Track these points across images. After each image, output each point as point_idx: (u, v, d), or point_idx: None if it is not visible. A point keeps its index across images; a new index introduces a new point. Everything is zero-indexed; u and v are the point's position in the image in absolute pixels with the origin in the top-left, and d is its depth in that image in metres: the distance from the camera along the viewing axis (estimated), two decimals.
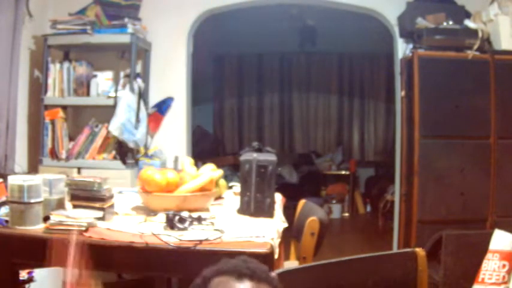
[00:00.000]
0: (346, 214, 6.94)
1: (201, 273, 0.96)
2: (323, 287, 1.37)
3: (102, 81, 3.53)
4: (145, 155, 3.55)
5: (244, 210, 2.03)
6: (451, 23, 3.33)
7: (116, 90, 3.48)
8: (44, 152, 3.48)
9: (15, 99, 3.15)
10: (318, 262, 1.43)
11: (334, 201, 6.86)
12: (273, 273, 0.97)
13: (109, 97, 3.47)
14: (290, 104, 7.78)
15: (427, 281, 1.46)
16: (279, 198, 2.43)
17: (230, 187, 2.62)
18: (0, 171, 2.90)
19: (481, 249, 2.63)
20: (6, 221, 1.73)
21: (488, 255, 2.61)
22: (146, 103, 3.71)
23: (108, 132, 3.41)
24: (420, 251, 1.48)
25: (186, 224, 1.73)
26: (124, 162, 3.44)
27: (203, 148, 6.55)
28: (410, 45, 3.50)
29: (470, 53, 3.24)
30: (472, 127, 3.29)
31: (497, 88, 3.25)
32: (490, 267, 2.59)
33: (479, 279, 2.60)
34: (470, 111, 3.26)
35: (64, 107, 3.59)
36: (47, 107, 3.50)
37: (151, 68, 3.84)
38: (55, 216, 1.69)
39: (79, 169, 3.44)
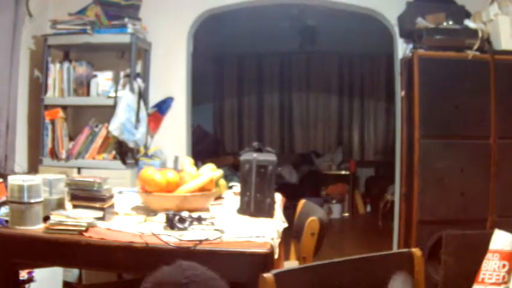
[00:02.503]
0: (346, 214, 6.94)
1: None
2: (323, 287, 1.37)
3: (102, 81, 3.53)
4: (145, 155, 3.55)
5: (244, 210, 2.03)
6: (451, 23, 3.33)
7: (116, 90, 3.48)
8: (44, 152, 3.48)
9: (15, 99, 3.15)
10: (318, 262, 1.43)
11: (334, 201, 6.86)
12: (216, 277, 0.92)
13: (109, 97, 3.47)
14: (290, 104, 7.79)
15: (423, 282, 1.46)
16: (279, 198, 2.43)
17: (230, 187, 2.62)
18: (0, 171, 2.90)
19: (481, 249, 2.63)
20: (6, 221, 1.72)
21: (488, 255, 2.61)
22: (146, 103, 3.71)
23: (108, 132, 3.41)
24: (417, 251, 1.48)
25: (186, 224, 1.73)
26: (124, 162, 3.44)
27: (203, 148, 6.55)
28: (410, 45, 3.50)
29: (470, 53, 3.24)
30: (472, 127, 3.29)
31: (497, 88, 3.25)
32: (490, 267, 2.59)
33: (479, 279, 2.60)
34: (470, 111, 3.26)
35: (64, 107, 3.59)
36: (47, 107, 3.50)
37: (151, 68, 3.84)
38: (55, 216, 1.68)
39: (79, 169, 3.44)
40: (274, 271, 1.28)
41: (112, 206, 1.90)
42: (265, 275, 1.24)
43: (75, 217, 1.68)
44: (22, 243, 1.68)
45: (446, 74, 3.27)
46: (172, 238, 1.60)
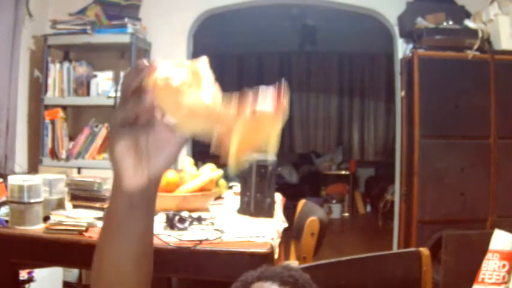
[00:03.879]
0: (346, 214, 6.94)
1: (239, 278, 0.93)
2: (323, 287, 1.37)
3: (102, 81, 3.53)
4: None
5: (244, 210, 2.03)
6: (451, 23, 3.33)
7: (116, 90, 3.48)
8: (44, 152, 3.48)
9: (15, 99, 3.15)
10: (318, 262, 1.43)
11: (334, 201, 6.86)
12: (315, 285, 0.93)
13: (109, 97, 3.47)
14: (290, 104, 7.75)
15: (431, 282, 1.45)
16: (279, 198, 2.43)
17: (230, 187, 2.62)
18: (0, 171, 2.90)
19: (481, 249, 2.63)
20: (6, 221, 1.72)
21: (488, 255, 2.61)
22: None
23: (108, 132, 3.41)
24: (424, 251, 1.47)
25: (186, 224, 1.73)
26: None
27: (203, 148, 6.55)
28: (410, 45, 3.50)
29: (470, 53, 3.24)
30: (472, 127, 3.29)
31: (497, 88, 3.25)
32: (490, 267, 2.59)
33: (479, 279, 2.60)
34: (470, 111, 3.26)
35: (64, 107, 3.59)
36: (47, 107, 3.50)
37: None
38: (55, 216, 1.68)
39: (79, 169, 3.43)
40: None
41: None
42: None
43: (75, 217, 1.68)
44: (22, 243, 1.68)
45: (446, 74, 3.27)
46: (172, 238, 1.60)
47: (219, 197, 2.37)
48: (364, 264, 1.45)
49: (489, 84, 3.25)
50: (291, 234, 2.50)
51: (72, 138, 3.58)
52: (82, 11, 3.58)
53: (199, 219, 1.78)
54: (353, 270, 1.43)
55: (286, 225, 2.08)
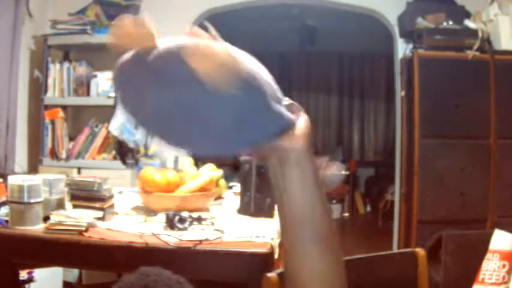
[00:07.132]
0: (346, 214, 6.94)
1: None
2: None
3: (102, 81, 3.53)
4: (145, 155, 3.55)
5: (244, 210, 2.03)
6: (451, 23, 3.33)
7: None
8: (44, 152, 3.48)
9: (15, 99, 3.16)
10: None
11: (334, 201, 6.86)
12: (182, 280, 0.92)
13: (109, 97, 3.47)
14: None
15: (427, 282, 1.45)
16: None
17: (230, 187, 2.61)
18: (0, 171, 2.90)
19: (481, 249, 2.63)
20: (6, 221, 1.72)
21: (488, 255, 2.61)
22: None
23: (108, 132, 3.41)
24: (420, 251, 1.47)
25: (186, 224, 1.73)
26: (124, 162, 3.44)
27: None
28: (410, 45, 3.50)
29: (470, 53, 3.24)
30: (472, 127, 3.29)
31: (497, 88, 3.25)
32: (490, 267, 2.59)
33: (479, 279, 2.60)
34: (470, 111, 3.26)
35: (64, 107, 3.59)
36: (47, 107, 3.50)
37: None
38: (55, 216, 1.68)
39: (79, 169, 3.44)
40: (278, 271, 1.27)
41: (112, 206, 1.90)
42: (269, 274, 1.24)
43: (75, 217, 1.68)
44: (22, 243, 1.68)
45: (446, 74, 3.27)
46: (172, 238, 1.60)
47: (219, 197, 2.36)
48: (360, 264, 1.45)
49: (489, 84, 3.25)
50: None
51: (72, 138, 3.58)
52: (82, 11, 3.58)
53: (199, 219, 1.78)
54: (349, 271, 1.43)
55: None
